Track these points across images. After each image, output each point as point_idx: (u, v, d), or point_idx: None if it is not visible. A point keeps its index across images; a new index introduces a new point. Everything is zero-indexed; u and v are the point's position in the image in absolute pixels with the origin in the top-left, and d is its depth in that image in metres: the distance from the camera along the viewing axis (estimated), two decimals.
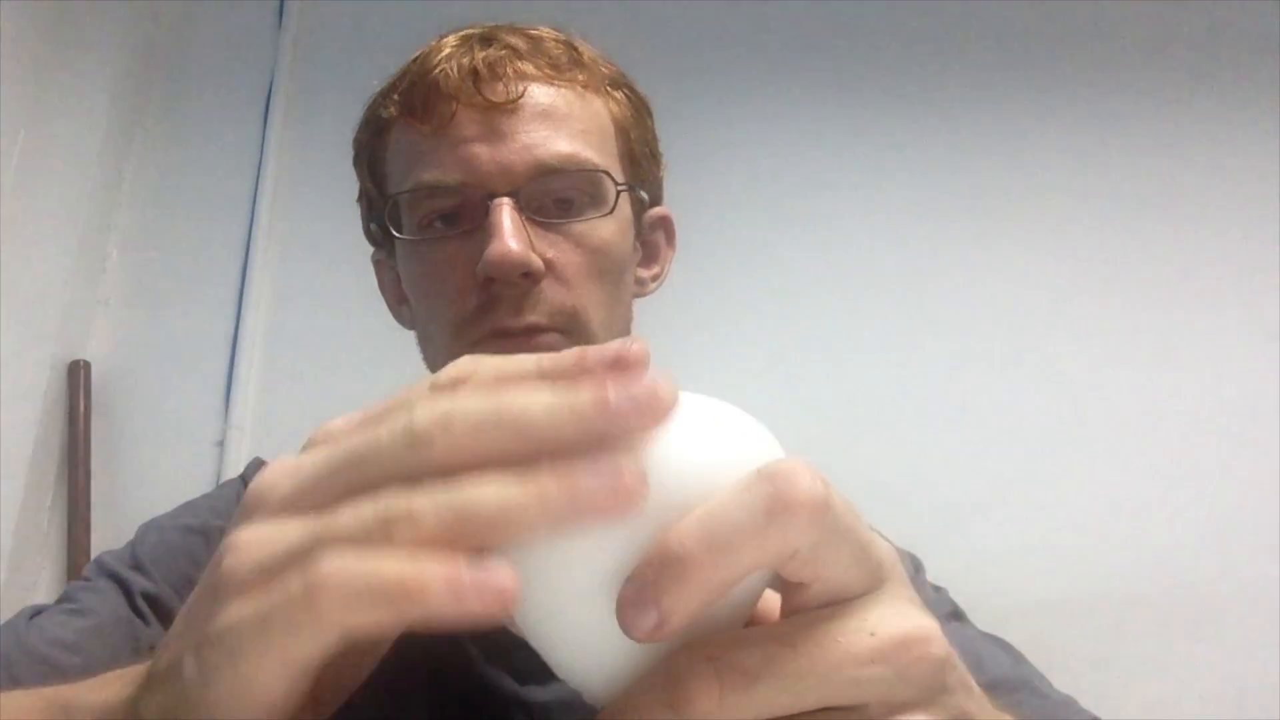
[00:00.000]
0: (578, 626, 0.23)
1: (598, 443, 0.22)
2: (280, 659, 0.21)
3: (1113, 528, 1.35)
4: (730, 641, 0.23)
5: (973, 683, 0.26)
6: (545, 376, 0.23)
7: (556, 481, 0.21)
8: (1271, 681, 1.25)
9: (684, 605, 0.21)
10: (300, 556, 0.22)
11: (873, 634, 0.23)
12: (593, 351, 0.23)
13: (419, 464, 0.22)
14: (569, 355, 0.24)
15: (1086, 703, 0.57)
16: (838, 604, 0.24)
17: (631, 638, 0.22)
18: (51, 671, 0.49)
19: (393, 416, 0.23)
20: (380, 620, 0.21)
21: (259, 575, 0.22)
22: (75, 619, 0.54)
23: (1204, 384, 1.40)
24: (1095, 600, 1.32)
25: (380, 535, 0.21)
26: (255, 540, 0.23)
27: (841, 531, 0.23)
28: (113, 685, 0.30)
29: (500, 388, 0.23)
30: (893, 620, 0.23)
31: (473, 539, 0.21)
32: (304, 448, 0.26)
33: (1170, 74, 1.55)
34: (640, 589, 0.21)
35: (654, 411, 0.22)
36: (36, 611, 0.56)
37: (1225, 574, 1.31)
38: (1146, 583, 1.32)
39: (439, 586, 0.20)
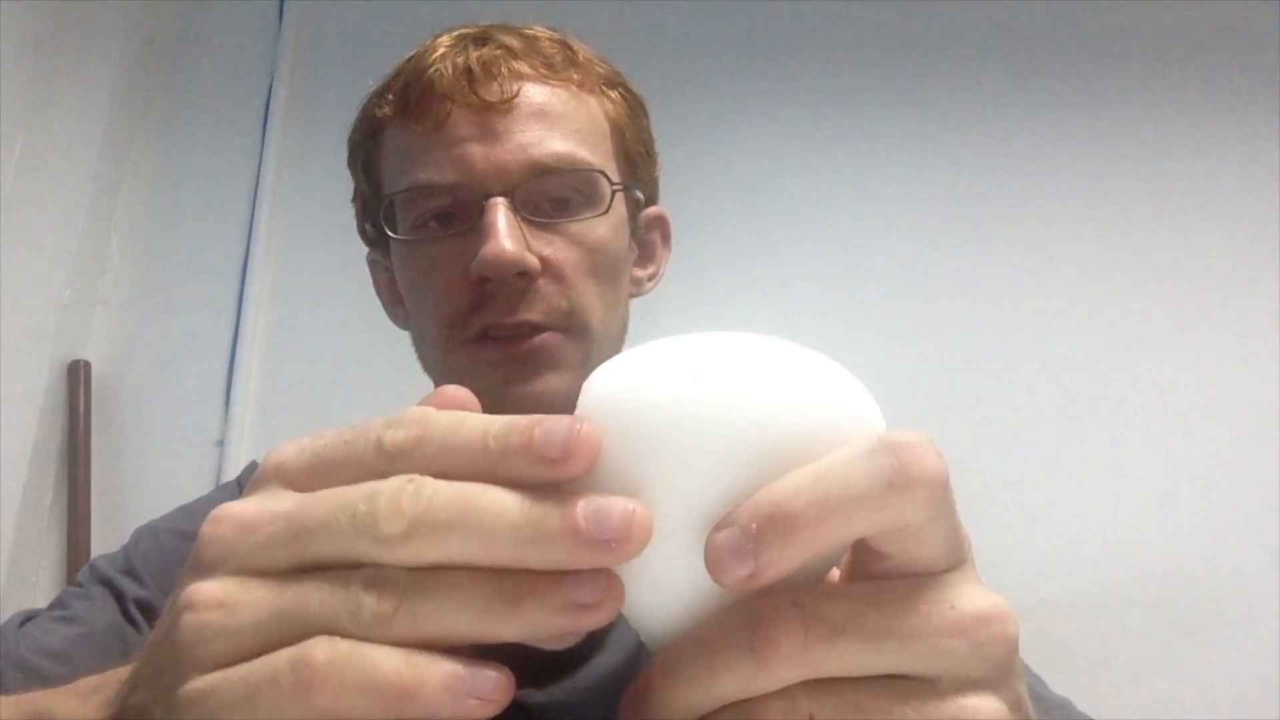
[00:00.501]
0: (648, 561, 0.22)
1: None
2: None
3: (1113, 527, 1.34)
4: (817, 592, 0.23)
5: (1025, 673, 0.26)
6: (491, 454, 0.22)
7: (534, 595, 0.21)
8: (1271, 681, 1.25)
9: (784, 561, 0.21)
10: (282, 635, 0.22)
11: (953, 607, 0.23)
12: (541, 433, 0.22)
13: (383, 558, 0.22)
14: (517, 431, 0.23)
15: (1086, 703, 0.57)
16: (919, 576, 0.23)
17: (719, 584, 0.21)
18: (38, 681, 0.48)
19: (354, 496, 0.22)
20: (371, 715, 0.21)
21: (234, 646, 0.22)
22: (65, 627, 0.54)
23: (1204, 384, 1.40)
24: (1095, 600, 1.32)
25: (353, 625, 0.21)
26: (219, 601, 0.23)
27: (948, 511, 0.23)
28: (89, 702, 0.30)
29: (465, 490, 0.22)
30: (974, 597, 0.23)
31: (439, 642, 0.21)
32: (255, 480, 0.25)
33: (1171, 73, 1.55)
34: (739, 537, 0.21)
35: (623, 552, 0.21)
36: (28, 618, 0.56)
37: (1225, 574, 1.31)
38: (1146, 583, 1.32)
39: (436, 689, 0.21)
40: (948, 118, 1.56)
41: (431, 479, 0.22)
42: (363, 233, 0.68)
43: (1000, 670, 0.23)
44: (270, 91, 1.61)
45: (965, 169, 1.53)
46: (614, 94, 0.64)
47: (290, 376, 1.48)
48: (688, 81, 1.58)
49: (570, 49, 0.62)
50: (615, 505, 0.21)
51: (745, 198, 1.54)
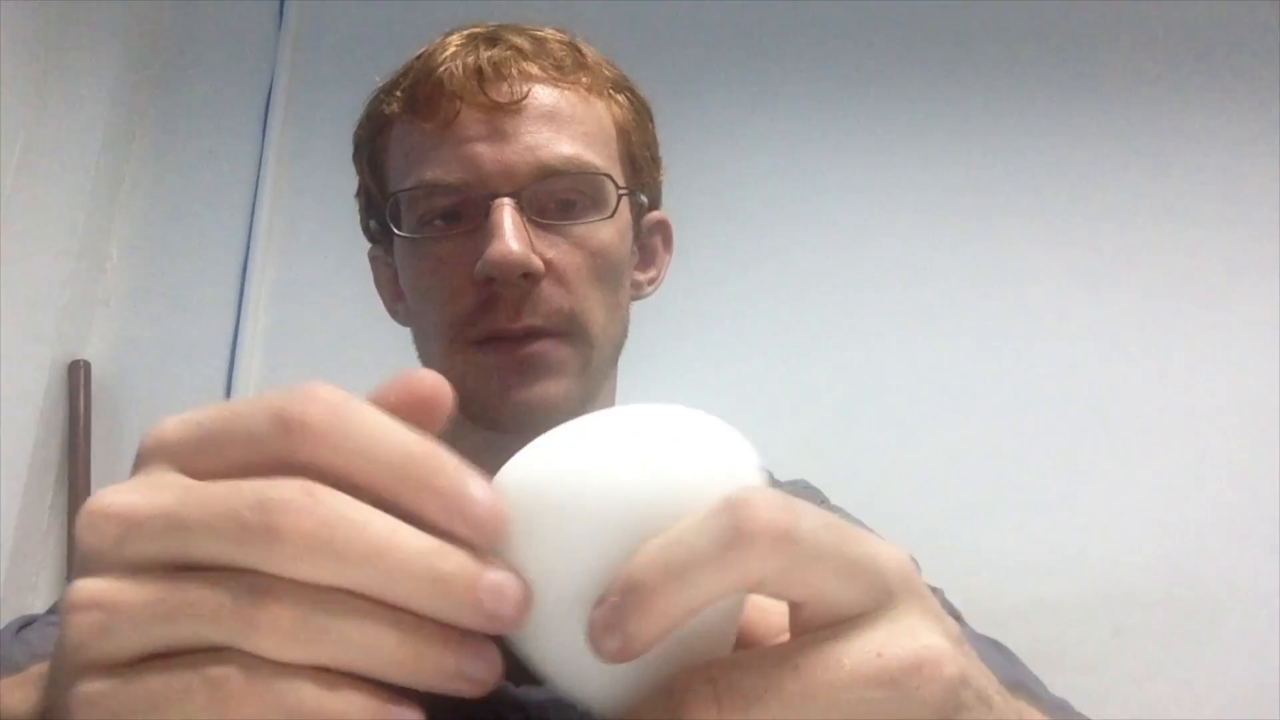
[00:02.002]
0: (562, 639, 0.24)
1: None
2: None
3: (1113, 528, 1.35)
4: (731, 663, 0.23)
5: (992, 692, 0.26)
6: (408, 479, 0.22)
7: (433, 654, 0.21)
8: (1271, 681, 1.25)
9: (647, 630, 0.22)
10: (167, 637, 0.21)
11: (879, 654, 0.22)
12: (472, 495, 0.23)
13: (271, 571, 0.21)
14: (446, 474, 0.23)
15: (1086, 704, 0.57)
16: (843, 623, 0.23)
17: (601, 658, 0.22)
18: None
19: (241, 501, 0.21)
20: None
21: (118, 646, 0.22)
22: None
23: (1204, 384, 1.40)
24: (1095, 601, 1.32)
25: (247, 637, 0.21)
26: (98, 600, 0.22)
27: (816, 556, 0.22)
28: (25, 689, 0.30)
29: (371, 521, 0.22)
30: (902, 640, 0.23)
31: (322, 661, 0.21)
32: (137, 459, 0.24)
33: (1171, 73, 1.55)
34: (606, 612, 0.22)
35: (509, 627, 0.22)
36: (25, 623, 0.55)
37: (1225, 574, 1.31)
38: (1146, 583, 1.32)
39: None
40: (948, 119, 1.56)
41: (329, 492, 0.22)
42: (366, 228, 0.68)
43: (940, 710, 0.23)
44: (270, 91, 1.61)
45: (966, 170, 1.53)
46: (621, 98, 0.64)
47: (290, 376, 1.48)
48: (688, 83, 1.58)
49: (579, 51, 0.62)
50: (513, 585, 0.22)
51: (747, 201, 1.54)
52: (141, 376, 1.48)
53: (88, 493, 1.38)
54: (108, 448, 1.43)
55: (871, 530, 0.70)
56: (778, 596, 0.23)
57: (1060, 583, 1.32)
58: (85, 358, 1.44)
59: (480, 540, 0.23)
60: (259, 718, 0.20)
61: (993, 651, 0.60)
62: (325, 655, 0.21)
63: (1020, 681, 0.57)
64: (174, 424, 0.24)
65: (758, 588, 0.23)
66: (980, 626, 0.63)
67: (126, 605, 0.22)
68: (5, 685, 0.32)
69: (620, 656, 0.22)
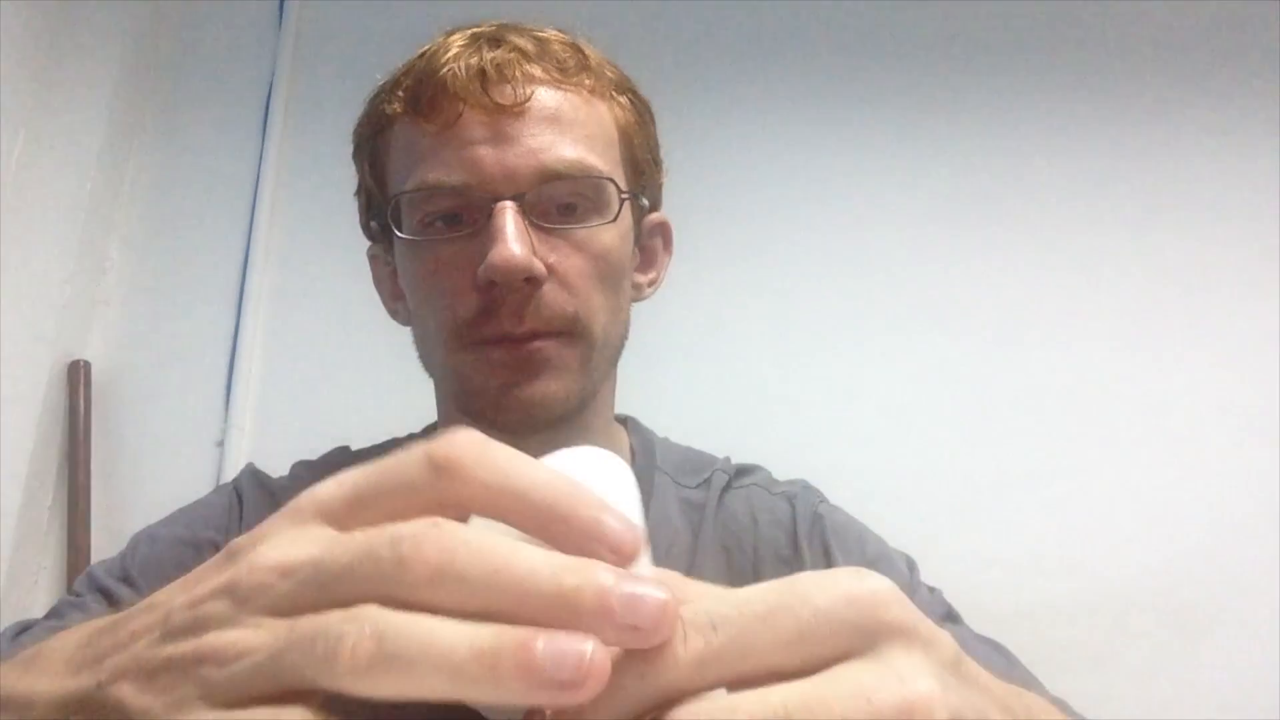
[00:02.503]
0: None
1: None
2: None
3: (1113, 528, 1.35)
4: (727, 707, 0.22)
5: (992, 716, 0.25)
6: (541, 517, 0.24)
7: (514, 666, 0.21)
8: (1271, 681, 1.25)
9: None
10: (277, 677, 0.22)
11: (869, 701, 0.22)
12: (602, 522, 0.24)
13: (400, 592, 0.22)
14: (572, 503, 0.24)
15: (1086, 704, 0.57)
16: (829, 668, 0.23)
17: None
18: None
19: (381, 532, 0.23)
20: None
21: (235, 688, 0.23)
22: None
23: (1204, 384, 1.40)
24: (1095, 600, 1.32)
25: (320, 651, 0.22)
26: (232, 642, 0.23)
27: (747, 646, 0.23)
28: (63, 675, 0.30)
29: (495, 545, 0.22)
30: (890, 685, 0.22)
31: (400, 691, 0.21)
32: (290, 508, 0.26)
33: (1171, 73, 1.55)
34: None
35: (652, 633, 0.22)
36: (24, 628, 0.55)
37: (1225, 574, 1.31)
38: (1146, 583, 1.32)
39: None
40: (947, 119, 1.56)
41: (454, 524, 0.23)
42: (365, 228, 0.68)
43: None
44: (270, 91, 1.61)
45: (966, 171, 1.53)
46: (624, 100, 0.64)
47: (290, 376, 1.48)
48: (687, 84, 1.58)
49: (582, 53, 0.62)
50: (651, 593, 0.22)
51: (746, 202, 1.54)
52: (141, 376, 1.48)
53: (88, 493, 1.38)
54: (108, 448, 1.43)
55: (870, 530, 0.70)
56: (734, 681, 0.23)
57: (1060, 583, 1.32)
58: (85, 358, 1.44)
59: (619, 562, 0.23)
60: None
61: (993, 652, 0.60)
62: (398, 687, 0.21)
63: (1019, 682, 0.57)
64: (330, 483, 0.26)
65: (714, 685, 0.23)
66: (980, 626, 0.63)
67: (252, 646, 0.23)
68: (5, 671, 0.32)
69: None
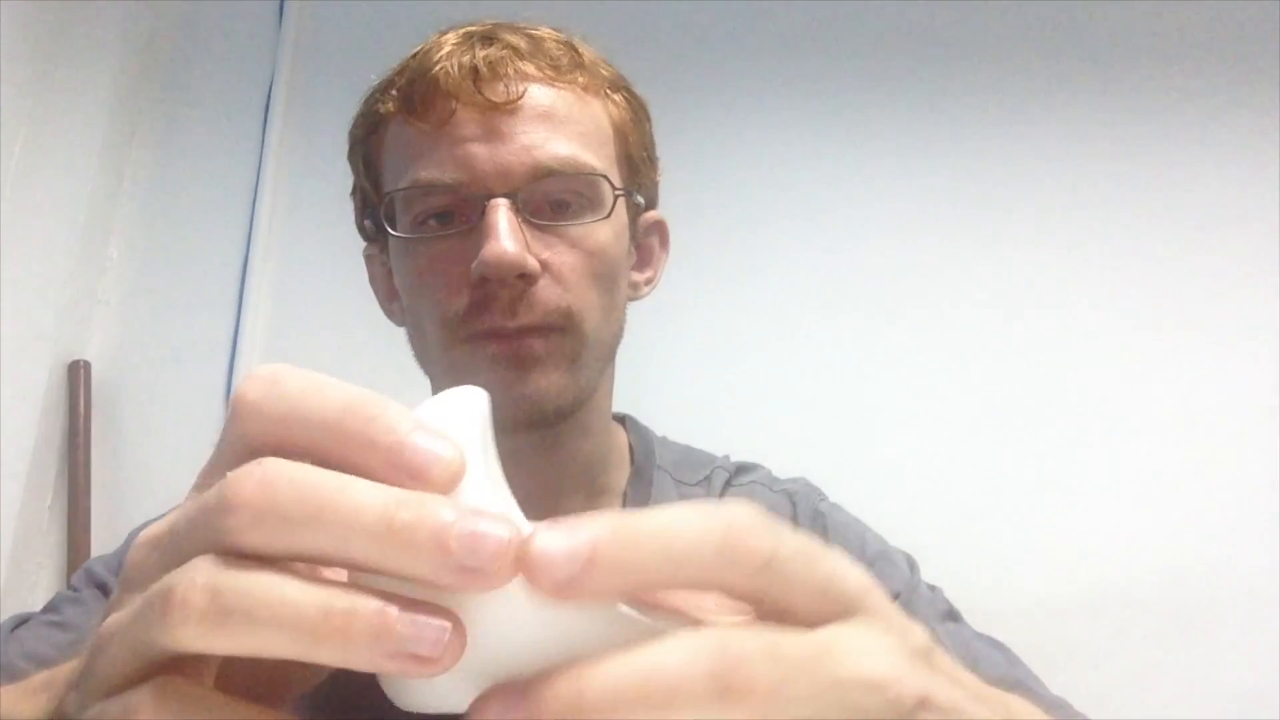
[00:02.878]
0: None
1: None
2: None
3: (1113, 528, 1.34)
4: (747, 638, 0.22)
5: (966, 703, 0.25)
6: (340, 442, 0.22)
7: (369, 628, 0.20)
8: (1271, 681, 1.25)
9: (611, 579, 0.21)
10: (134, 652, 0.22)
11: (842, 665, 0.22)
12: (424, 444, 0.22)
13: (226, 539, 0.21)
14: (373, 424, 0.22)
15: (1086, 703, 0.57)
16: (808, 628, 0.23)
17: (544, 587, 0.20)
18: None
19: (217, 490, 0.22)
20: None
21: (114, 671, 0.23)
22: (56, 633, 0.54)
23: (1204, 384, 1.40)
24: (1095, 600, 1.32)
25: (157, 610, 0.21)
26: (111, 625, 0.24)
27: (787, 579, 0.23)
28: (37, 699, 0.30)
29: (322, 479, 0.21)
30: (864, 655, 0.22)
31: (240, 647, 0.20)
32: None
33: (1171, 73, 1.55)
34: (573, 544, 0.20)
35: (492, 575, 0.20)
36: (20, 621, 0.56)
37: (1225, 574, 1.31)
38: (1146, 583, 1.32)
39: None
40: (946, 119, 1.56)
41: (276, 461, 0.22)
42: (360, 227, 0.68)
43: None
44: (270, 91, 1.61)
45: (966, 170, 1.53)
46: (618, 97, 0.64)
47: None
48: (685, 82, 1.58)
49: (576, 50, 0.62)
50: (495, 529, 0.20)
51: (744, 201, 1.54)
52: (141, 376, 1.48)
53: (88, 493, 1.38)
54: (108, 448, 1.43)
55: (871, 528, 0.70)
56: (737, 599, 0.23)
57: (1060, 582, 1.32)
58: (85, 358, 1.44)
59: (438, 485, 0.21)
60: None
61: (993, 651, 0.60)
62: (238, 642, 0.20)
63: (1020, 680, 0.57)
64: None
65: (723, 591, 0.23)
66: (980, 626, 0.63)
67: (118, 623, 0.23)
68: (6, 694, 0.33)
69: (566, 589, 0.20)
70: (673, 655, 0.20)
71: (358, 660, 0.20)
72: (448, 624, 0.20)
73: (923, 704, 0.23)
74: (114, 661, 0.22)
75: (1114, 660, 1.29)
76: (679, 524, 0.22)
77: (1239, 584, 1.30)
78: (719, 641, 0.21)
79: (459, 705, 0.21)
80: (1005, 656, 0.60)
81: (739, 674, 0.20)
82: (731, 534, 0.22)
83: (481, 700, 0.20)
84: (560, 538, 0.20)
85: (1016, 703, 0.34)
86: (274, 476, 0.21)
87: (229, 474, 0.22)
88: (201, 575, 0.21)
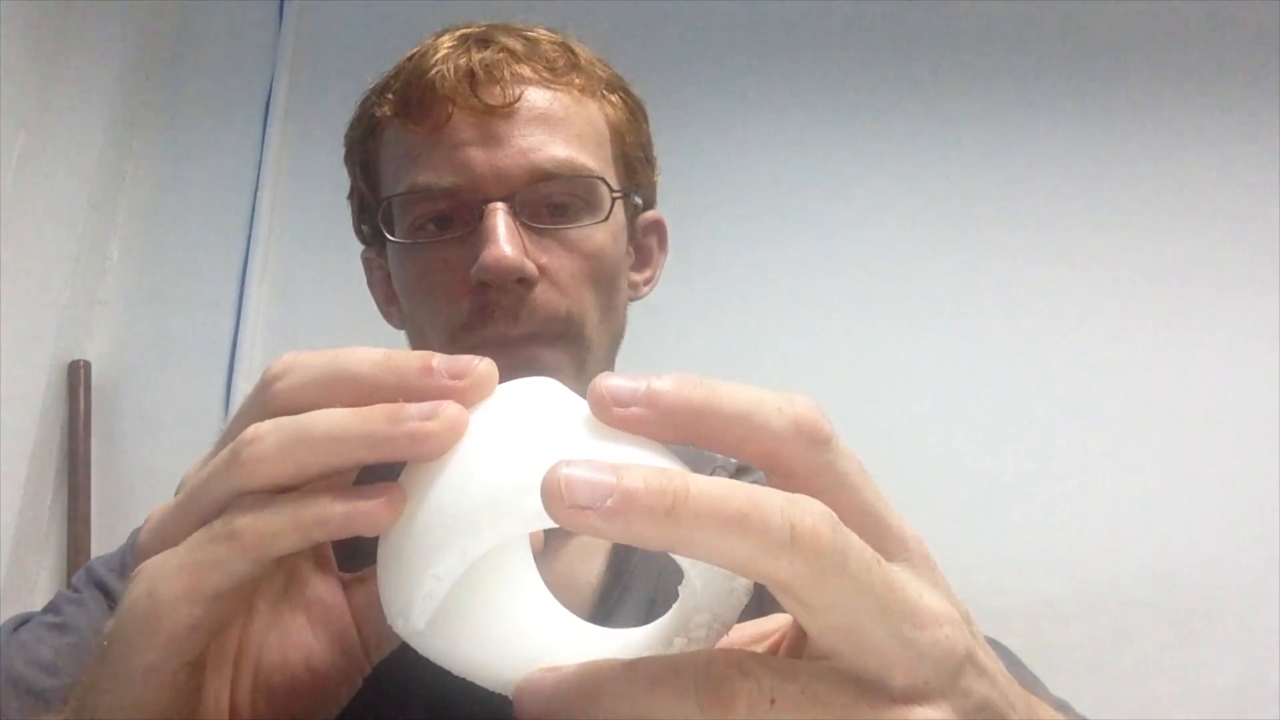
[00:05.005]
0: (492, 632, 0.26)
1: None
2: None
3: (1113, 528, 1.34)
4: (774, 666, 0.22)
5: (999, 674, 0.26)
6: (374, 387, 0.26)
7: (383, 411, 0.25)
8: (1271, 681, 1.25)
9: (629, 529, 0.21)
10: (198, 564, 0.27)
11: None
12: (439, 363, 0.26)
13: (265, 408, 0.27)
14: (395, 363, 0.27)
15: (1086, 703, 0.57)
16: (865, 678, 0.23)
17: (554, 511, 0.21)
18: (29, 695, 0.49)
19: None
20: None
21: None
22: (57, 635, 0.53)
23: (1204, 384, 1.40)
24: (1095, 600, 1.32)
25: (232, 459, 0.26)
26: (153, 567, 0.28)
27: (855, 608, 0.23)
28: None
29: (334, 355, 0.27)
30: (923, 594, 0.24)
31: (310, 463, 0.25)
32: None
33: (1171, 73, 1.54)
34: (600, 479, 0.21)
35: (475, 387, 0.25)
36: (22, 621, 0.55)
37: (1225, 574, 1.31)
38: (1146, 583, 1.32)
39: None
40: (946, 119, 1.56)
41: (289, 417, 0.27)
42: (358, 231, 0.67)
43: (948, 676, 0.23)
44: (270, 91, 1.61)
45: (962, 171, 1.53)
46: (615, 98, 0.63)
47: None
48: (682, 82, 1.57)
49: (572, 52, 0.61)
50: (464, 358, 0.26)
51: (742, 201, 1.54)
52: (141, 376, 1.48)
53: (88, 493, 1.38)
54: (108, 448, 1.43)
55: None
56: (793, 487, 0.23)
57: (1060, 582, 1.32)
58: (85, 358, 1.44)
59: (461, 390, 0.26)
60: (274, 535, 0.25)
61: (995, 652, 0.59)
62: (304, 451, 0.26)
63: (1021, 682, 0.56)
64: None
65: (780, 470, 0.24)
66: (981, 626, 0.63)
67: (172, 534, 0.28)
68: None
69: (577, 522, 0.20)
70: (762, 494, 0.21)
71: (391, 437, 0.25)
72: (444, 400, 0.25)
73: (970, 659, 0.23)
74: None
75: (1114, 660, 1.29)
76: (755, 391, 0.24)
77: (1239, 584, 1.30)
78: (794, 499, 0.22)
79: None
80: (1007, 658, 0.59)
81: (806, 525, 0.21)
82: (802, 409, 0.24)
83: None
84: (592, 472, 0.21)
85: (1036, 702, 0.34)
86: (291, 421, 0.26)
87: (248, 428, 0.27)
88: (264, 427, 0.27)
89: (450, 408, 0.25)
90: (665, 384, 0.23)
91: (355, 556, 0.33)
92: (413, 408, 0.25)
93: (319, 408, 0.26)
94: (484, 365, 0.26)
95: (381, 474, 0.26)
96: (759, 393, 0.24)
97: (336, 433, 0.25)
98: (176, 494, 0.29)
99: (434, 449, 0.24)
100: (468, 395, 0.25)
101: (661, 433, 0.24)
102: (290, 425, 0.26)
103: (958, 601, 0.25)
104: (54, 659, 0.51)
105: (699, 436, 0.24)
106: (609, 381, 0.24)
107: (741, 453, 0.24)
